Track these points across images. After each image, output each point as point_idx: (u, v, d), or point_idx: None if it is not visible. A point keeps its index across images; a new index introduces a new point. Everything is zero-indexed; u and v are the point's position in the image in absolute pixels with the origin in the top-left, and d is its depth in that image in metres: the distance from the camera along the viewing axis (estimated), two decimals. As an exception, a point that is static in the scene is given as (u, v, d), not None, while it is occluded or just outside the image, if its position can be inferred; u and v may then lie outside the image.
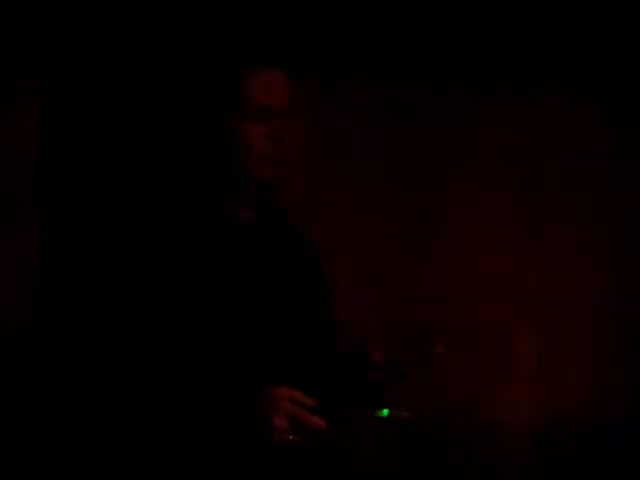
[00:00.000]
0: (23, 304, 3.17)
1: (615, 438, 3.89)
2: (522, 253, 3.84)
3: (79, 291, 3.05)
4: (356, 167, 3.62)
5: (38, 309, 3.19)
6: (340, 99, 3.65)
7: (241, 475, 2.03)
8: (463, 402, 3.76)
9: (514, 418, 3.87)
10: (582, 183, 3.88)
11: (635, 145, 3.91)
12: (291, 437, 1.93)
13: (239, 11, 3.21)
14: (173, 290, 2.09)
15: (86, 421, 2.12)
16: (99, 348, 2.08)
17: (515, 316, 3.83)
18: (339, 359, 2.22)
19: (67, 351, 2.97)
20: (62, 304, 3.16)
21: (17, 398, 3.06)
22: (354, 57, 3.61)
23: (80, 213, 3.24)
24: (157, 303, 2.08)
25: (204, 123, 2.23)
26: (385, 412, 2.05)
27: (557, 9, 3.73)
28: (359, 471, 3.62)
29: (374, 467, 3.65)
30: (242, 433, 1.96)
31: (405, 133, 3.74)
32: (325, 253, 2.43)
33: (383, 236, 3.62)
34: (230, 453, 2.00)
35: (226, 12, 3.22)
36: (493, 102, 3.77)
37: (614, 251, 3.93)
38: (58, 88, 3.22)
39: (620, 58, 3.83)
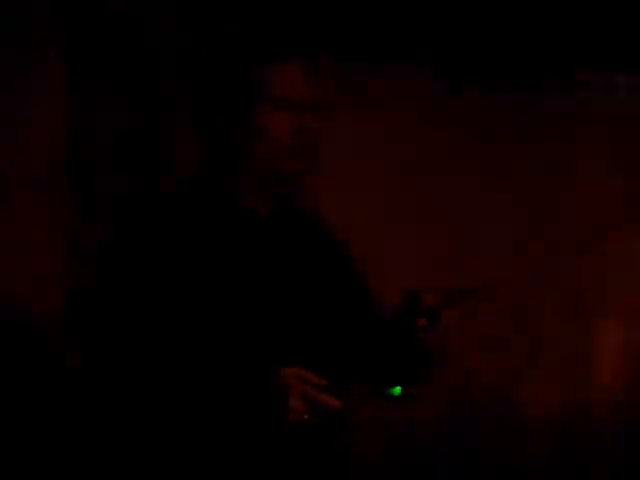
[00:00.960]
0: (53, 291, 3.22)
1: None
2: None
3: (101, 279, 3.09)
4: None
5: (68, 296, 3.24)
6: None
7: (257, 458, 2.04)
8: (486, 398, 3.78)
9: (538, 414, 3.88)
10: None
11: None
12: (306, 417, 1.94)
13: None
14: (187, 279, 2.07)
15: (104, 408, 2.12)
16: (115, 335, 2.08)
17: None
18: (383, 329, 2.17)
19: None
20: (89, 292, 3.20)
21: (47, 384, 3.12)
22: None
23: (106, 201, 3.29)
24: (171, 292, 2.06)
25: (223, 113, 2.17)
26: (397, 390, 2.05)
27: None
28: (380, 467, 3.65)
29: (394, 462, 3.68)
30: (257, 415, 1.97)
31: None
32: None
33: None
34: (246, 436, 2.01)
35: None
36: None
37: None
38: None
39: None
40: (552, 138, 3.99)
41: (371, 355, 2.19)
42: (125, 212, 2.70)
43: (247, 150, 2.16)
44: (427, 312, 2.05)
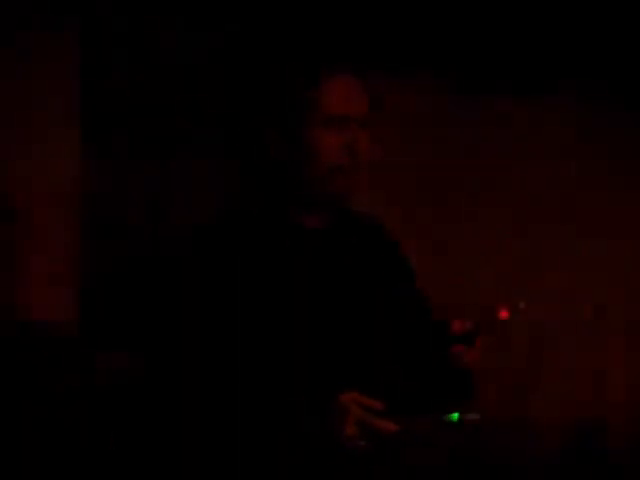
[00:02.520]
0: (70, 304, 3.16)
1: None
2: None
3: (134, 294, 3.03)
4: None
5: (86, 309, 3.18)
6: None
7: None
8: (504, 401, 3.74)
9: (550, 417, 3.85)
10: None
11: None
12: (362, 443, 1.90)
13: (312, 13, 3.14)
14: (235, 298, 2.04)
15: (142, 425, 2.07)
16: (163, 357, 2.03)
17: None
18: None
19: (121, 352, 2.95)
20: (113, 304, 3.14)
21: (71, 398, 3.06)
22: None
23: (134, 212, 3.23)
24: (220, 312, 2.02)
25: (274, 129, 2.12)
26: (455, 416, 2.00)
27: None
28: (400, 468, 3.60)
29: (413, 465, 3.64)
30: (314, 443, 1.93)
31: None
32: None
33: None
34: (301, 463, 1.96)
35: (299, 14, 3.14)
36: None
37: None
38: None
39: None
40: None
41: (427, 375, 2.14)
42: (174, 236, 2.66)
43: (297, 167, 2.12)
44: (463, 338, 2.02)
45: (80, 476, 3.06)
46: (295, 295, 2.07)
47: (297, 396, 1.97)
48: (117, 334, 3.14)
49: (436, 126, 3.71)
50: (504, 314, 1.97)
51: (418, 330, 2.17)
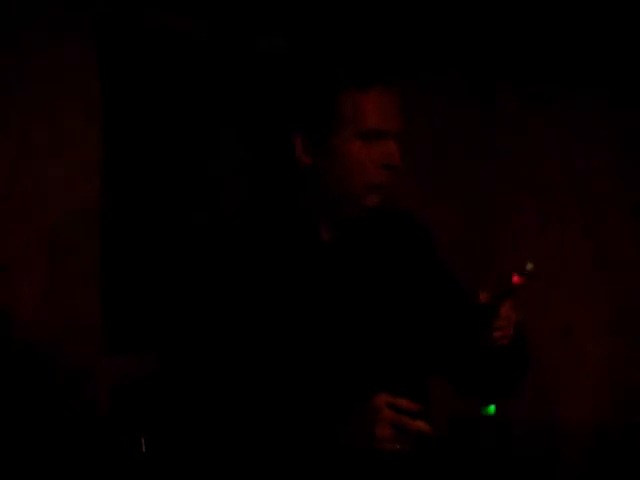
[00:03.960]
0: (89, 309, 3.14)
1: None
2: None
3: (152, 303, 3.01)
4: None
5: (104, 315, 3.16)
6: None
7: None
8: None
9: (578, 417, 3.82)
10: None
11: None
12: (398, 446, 1.86)
13: (346, 21, 3.10)
14: (253, 311, 1.98)
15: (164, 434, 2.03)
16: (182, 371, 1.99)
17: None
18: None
19: (137, 357, 2.93)
20: (132, 311, 3.13)
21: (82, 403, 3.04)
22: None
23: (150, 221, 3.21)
24: (236, 326, 1.97)
25: (302, 138, 2.02)
26: (492, 409, 1.96)
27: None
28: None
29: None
30: (345, 446, 1.89)
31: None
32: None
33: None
34: (334, 469, 1.92)
35: (332, 22, 3.11)
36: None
37: None
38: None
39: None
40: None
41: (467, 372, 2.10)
42: (190, 241, 2.61)
43: (330, 182, 2.02)
44: (482, 310, 1.95)
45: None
46: (317, 307, 2.01)
47: (327, 402, 1.92)
48: (137, 338, 3.13)
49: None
50: (516, 279, 1.93)
51: (459, 320, 2.07)
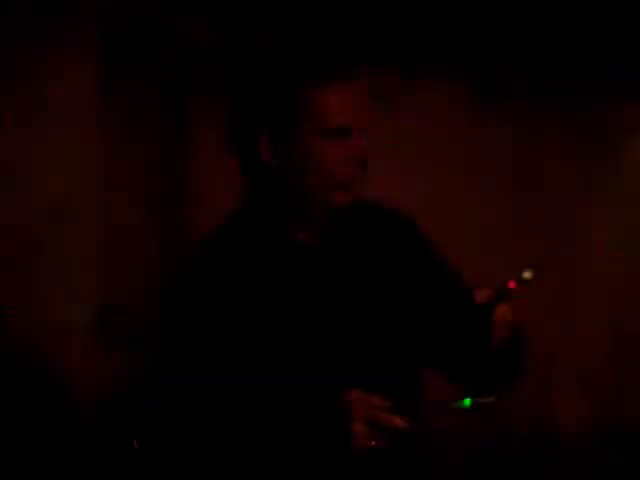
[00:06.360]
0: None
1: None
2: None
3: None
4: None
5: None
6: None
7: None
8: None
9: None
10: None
11: None
12: (373, 442, 1.84)
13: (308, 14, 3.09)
14: (235, 314, 1.95)
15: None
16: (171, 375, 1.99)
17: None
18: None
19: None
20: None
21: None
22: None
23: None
24: (217, 332, 1.94)
25: (266, 138, 1.94)
26: (467, 402, 1.94)
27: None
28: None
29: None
30: (319, 444, 1.87)
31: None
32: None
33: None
34: (310, 466, 1.91)
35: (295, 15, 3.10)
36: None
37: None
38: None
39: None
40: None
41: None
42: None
43: (295, 181, 1.96)
44: (479, 308, 1.93)
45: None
46: (296, 314, 1.97)
47: (304, 401, 1.91)
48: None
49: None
50: (511, 284, 1.90)
51: (457, 314, 2.01)
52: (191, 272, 2.01)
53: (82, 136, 3.20)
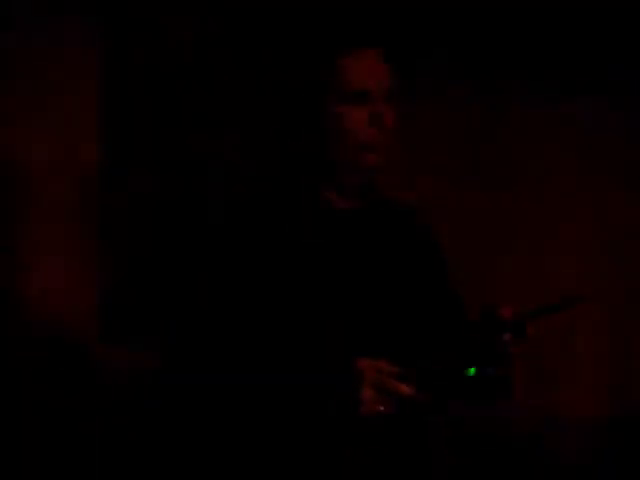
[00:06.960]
0: (87, 302, 3.15)
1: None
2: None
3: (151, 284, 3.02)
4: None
5: (102, 307, 3.17)
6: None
7: (331, 451, 1.96)
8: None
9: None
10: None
11: None
12: (381, 408, 1.88)
13: None
14: (262, 274, 2.05)
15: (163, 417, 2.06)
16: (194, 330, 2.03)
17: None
18: (464, 329, 2.09)
19: (131, 348, 2.93)
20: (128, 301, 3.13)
21: (79, 396, 3.04)
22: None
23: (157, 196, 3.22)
24: (247, 287, 2.04)
25: (298, 107, 2.13)
26: (472, 371, 1.96)
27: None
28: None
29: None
30: (330, 408, 1.90)
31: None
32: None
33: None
34: (319, 428, 1.94)
35: None
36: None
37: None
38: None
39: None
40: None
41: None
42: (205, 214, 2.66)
43: (323, 146, 2.11)
44: (513, 326, 1.96)
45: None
46: (322, 274, 2.06)
47: (312, 362, 1.94)
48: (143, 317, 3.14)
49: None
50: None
51: (446, 311, 2.18)
52: (232, 221, 2.13)
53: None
